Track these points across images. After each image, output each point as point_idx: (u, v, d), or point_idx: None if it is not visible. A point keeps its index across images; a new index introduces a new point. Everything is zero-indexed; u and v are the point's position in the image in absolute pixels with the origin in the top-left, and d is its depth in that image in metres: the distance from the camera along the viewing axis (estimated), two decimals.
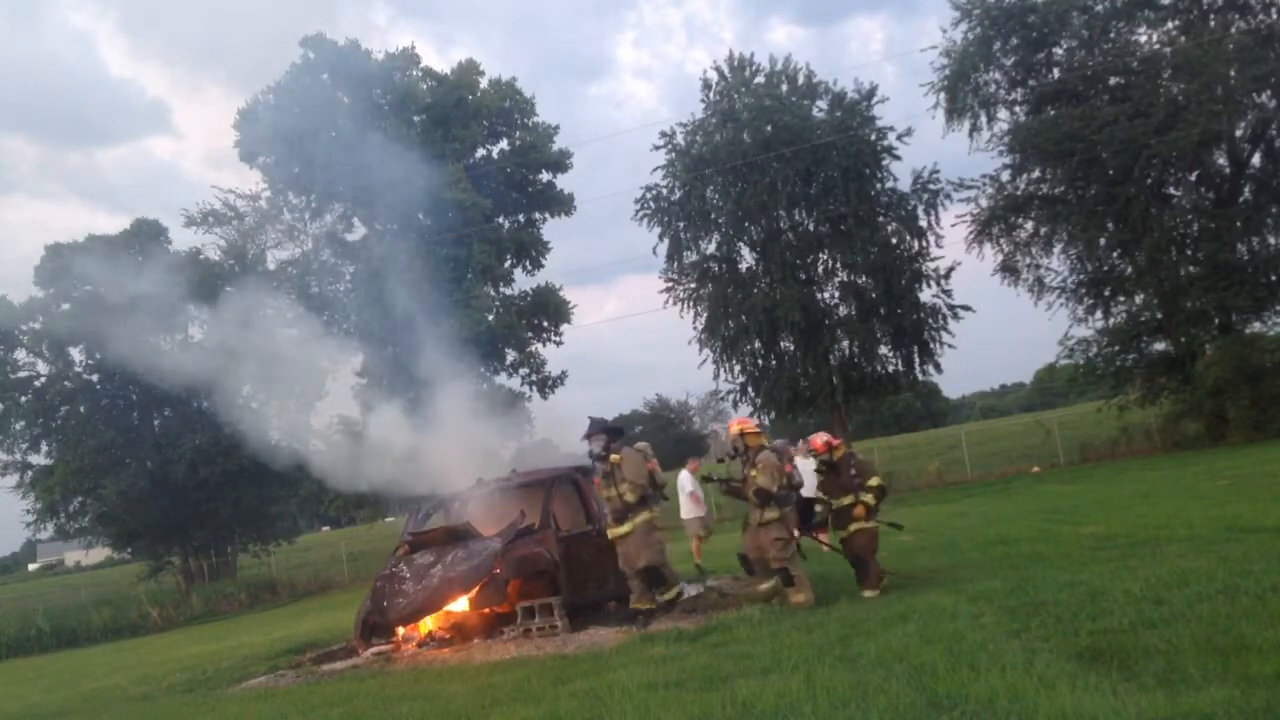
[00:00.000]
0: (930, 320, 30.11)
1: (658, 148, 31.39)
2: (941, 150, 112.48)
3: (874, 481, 9.34)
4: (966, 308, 30.20)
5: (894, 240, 30.14)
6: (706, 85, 31.12)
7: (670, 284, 31.54)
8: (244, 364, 13.97)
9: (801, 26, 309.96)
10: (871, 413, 49.01)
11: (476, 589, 9.46)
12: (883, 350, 30.87)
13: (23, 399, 31.64)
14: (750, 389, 31.63)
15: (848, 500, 9.18)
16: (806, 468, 13.44)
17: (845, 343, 30.85)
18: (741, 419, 9.71)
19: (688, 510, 13.91)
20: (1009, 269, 29.43)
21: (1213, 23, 25.83)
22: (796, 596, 8.67)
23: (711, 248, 31.25)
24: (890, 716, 4.65)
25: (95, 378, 31.79)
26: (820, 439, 9.75)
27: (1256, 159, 27.19)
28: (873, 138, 29.82)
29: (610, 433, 9.67)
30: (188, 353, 22.50)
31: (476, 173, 30.63)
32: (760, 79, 30.56)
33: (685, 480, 13.98)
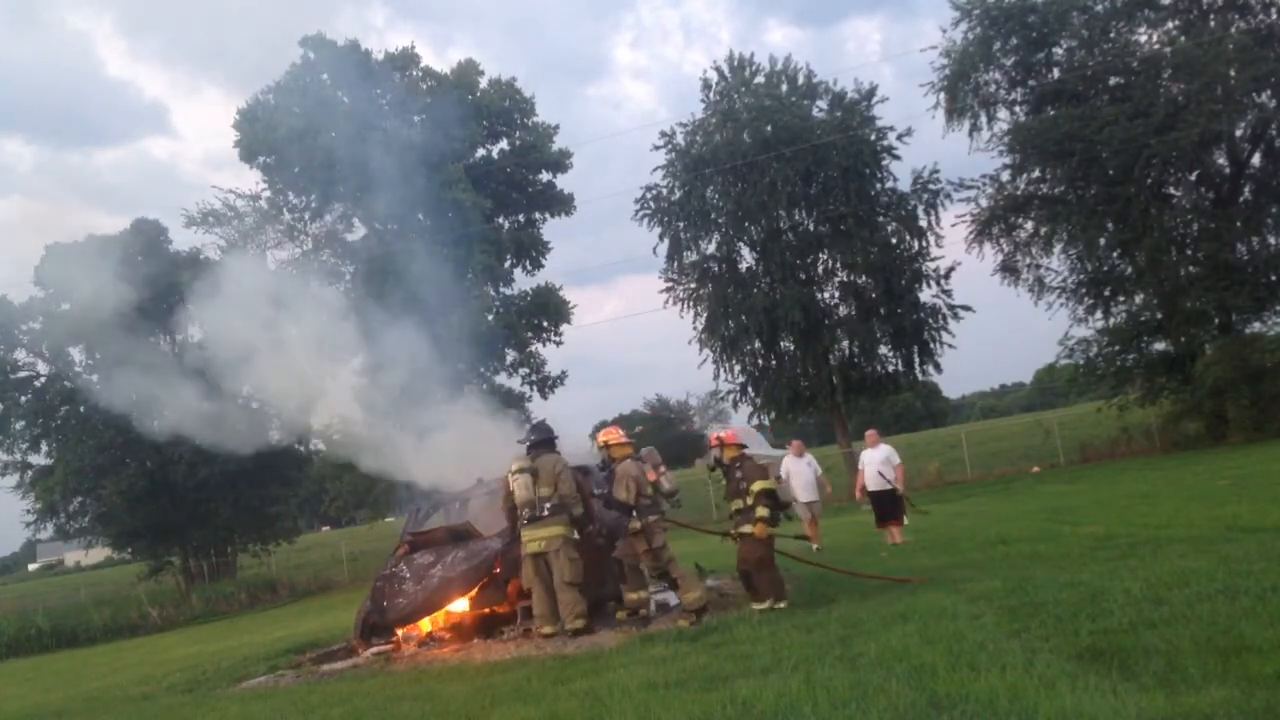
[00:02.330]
0: (930, 320, 30.13)
1: (658, 148, 31.46)
2: (941, 150, 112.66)
3: (757, 486, 8.63)
4: (966, 308, 30.26)
5: (894, 240, 30.16)
6: (706, 85, 31.16)
7: (670, 284, 31.59)
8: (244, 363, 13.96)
9: (798, 28, 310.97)
10: (871, 413, 48.86)
11: (476, 589, 9.45)
12: (883, 350, 30.91)
13: (23, 399, 31.63)
14: (750, 389, 31.66)
15: (735, 505, 8.83)
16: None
17: (845, 343, 30.88)
18: (607, 430, 9.33)
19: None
20: (1009, 269, 29.47)
21: (1213, 23, 25.83)
22: (689, 594, 8.65)
23: (711, 248, 31.29)
24: (890, 716, 4.64)
25: (95, 377, 31.76)
26: (715, 434, 9.29)
27: (1256, 159, 27.22)
28: (873, 138, 29.84)
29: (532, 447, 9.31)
30: (187, 353, 22.50)
31: (476, 173, 30.62)
32: (760, 79, 30.58)
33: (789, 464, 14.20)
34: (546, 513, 8.80)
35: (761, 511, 8.57)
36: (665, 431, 67.65)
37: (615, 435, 9.21)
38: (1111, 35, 27.01)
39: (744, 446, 9.13)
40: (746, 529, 8.66)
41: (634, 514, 8.68)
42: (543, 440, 9.36)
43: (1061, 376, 39.47)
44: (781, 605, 8.47)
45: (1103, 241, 27.32)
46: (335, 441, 14.64)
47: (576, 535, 8.96)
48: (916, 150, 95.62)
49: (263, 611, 25.54)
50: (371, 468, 12.37)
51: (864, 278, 30.23)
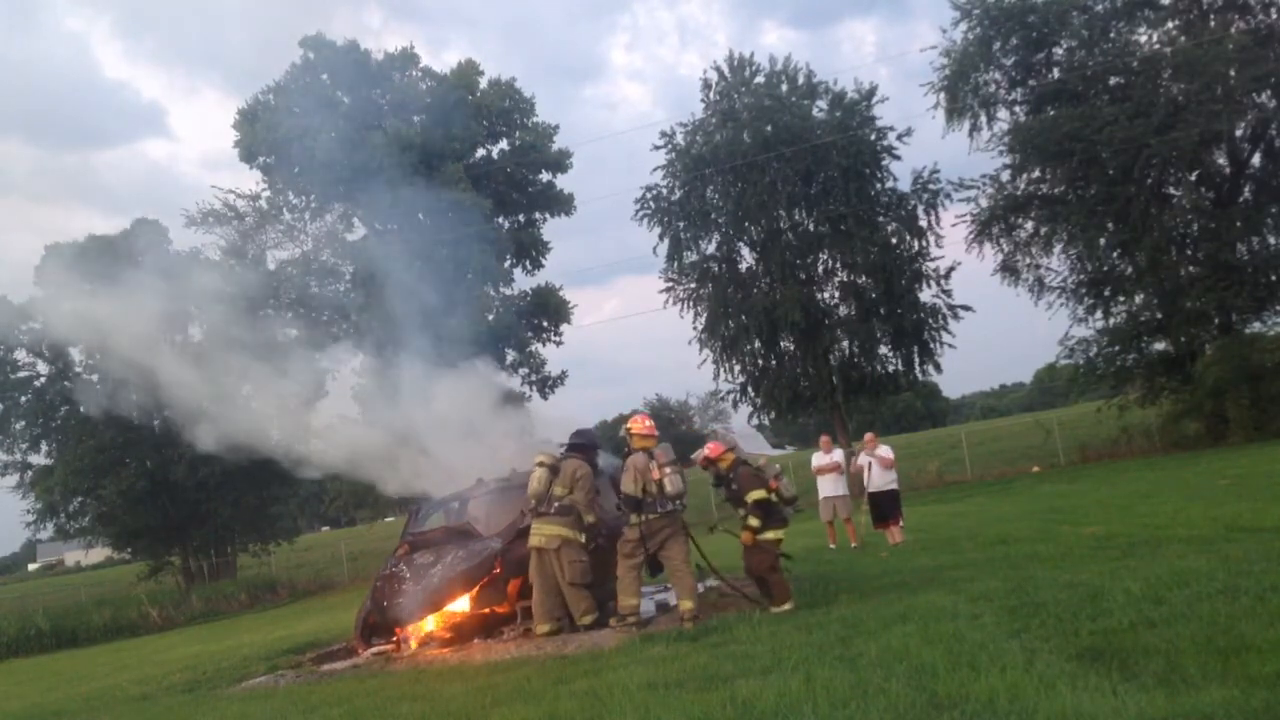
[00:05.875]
0: (930, 320, 30.13)
1: (658, 148, 31.46)
2: (941, 150, 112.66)
3: (752, 496, 8.69)
4: (966, 308, 30.27)
5: (894, 240, 30.17)
6: (706, 85, 31.17)
7: (670, 284, 31.59)
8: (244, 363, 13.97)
9: (794, 29, 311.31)
10: (871, 413, 48.96)
11: (476, 589, 9.45)
12: (883, 350, 30.92)
13: (23, 399, 31.64)
14: (750, 389, 31.67)
15: (741, 511, 8.87)
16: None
17: (845, 343, 30.88)
18: (634, 417, 9.13)
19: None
20: (1009, 269, 29.45)
21: (1213, 23, 25.83)
22: (683, 602, 8.61)
23: (711, 248, 31.30)
24: (890, 716, 4.64)
25: (95, 378, 31.78)
26: (701, 455, 9.23)
27: (1256, 159, 27.23)
28: (872, 138, 29.84)
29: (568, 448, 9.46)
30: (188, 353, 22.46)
31: (476, 173, 30.61)
32: (760, 79, 30.59)
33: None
34: (553, 510, 8.90)
35: (752, 521, 8.66)
36: (665, 431, 67.55)
37: (638, 425, 8.97)
38: (1111, 35, 27.02)
39: (730, 450, 9.12)
40: (745, 535, 8.77)
41: (638, 509, 8.60)
42: (578, 445, 9.47)
43: (1061, 376, 39.50)
44: (784, 608, 8.45)
45: (1103, 241, 27.32)
46: (334, 442, 14.61)
47: (582, 539, 8.94)
48: (916, 150, 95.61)
49: (263, 611, 25.53)
50: (369, 472, 12.32)
51: (864, 278, 30.24)
